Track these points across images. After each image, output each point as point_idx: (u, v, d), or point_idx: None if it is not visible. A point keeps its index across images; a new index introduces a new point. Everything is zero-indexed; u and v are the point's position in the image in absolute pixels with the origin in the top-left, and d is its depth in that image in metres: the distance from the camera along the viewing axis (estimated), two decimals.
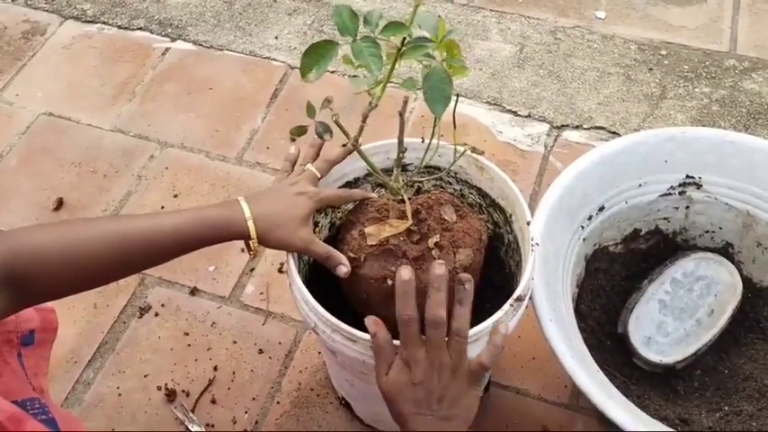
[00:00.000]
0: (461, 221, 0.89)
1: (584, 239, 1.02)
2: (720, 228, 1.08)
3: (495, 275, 0.98)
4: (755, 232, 1.04)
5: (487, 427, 1.07)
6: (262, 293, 1.22)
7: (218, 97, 1.53)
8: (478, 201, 0.98)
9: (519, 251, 0.92)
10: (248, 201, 0.81)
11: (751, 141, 1.02)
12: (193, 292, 1.23)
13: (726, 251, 1.09)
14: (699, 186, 1.05)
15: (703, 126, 1.43)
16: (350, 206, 0.95)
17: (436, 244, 0.85)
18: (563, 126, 1.45)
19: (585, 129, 1.45)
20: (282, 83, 1.55)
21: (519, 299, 0.81)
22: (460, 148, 0.85)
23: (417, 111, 1.48)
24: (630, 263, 1.11)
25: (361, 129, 0.75)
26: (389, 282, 0.84)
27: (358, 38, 0.66)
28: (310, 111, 0.73)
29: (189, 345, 1.17)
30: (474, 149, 0.84)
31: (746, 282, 1.06)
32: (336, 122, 0.75)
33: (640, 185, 1.04)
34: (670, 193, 1.05)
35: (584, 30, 1.63)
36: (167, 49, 1.63)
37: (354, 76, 0.71)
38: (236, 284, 1.24)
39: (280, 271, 1.23)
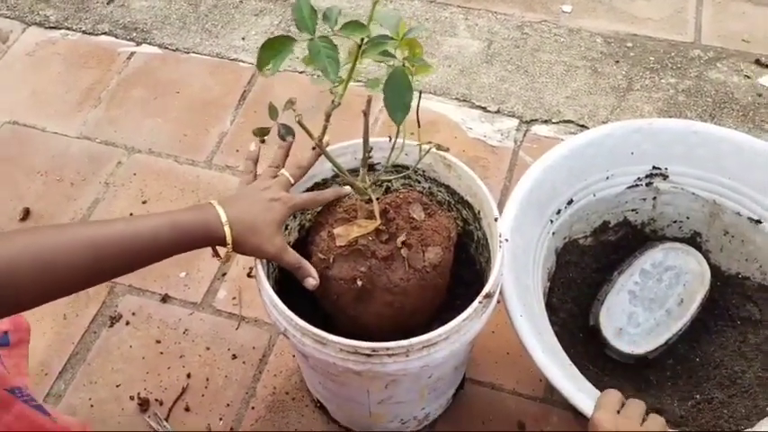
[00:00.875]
0: (430, 220, 0.88)
1: (553, 233, 1.02)
2: (688, 217, 1.08)
3: (466, 272, 0.98)
4: (722, 221, 1.05)
5: (463, 422, 1.07)
6: (234, 298, 1.21)
7: (185, 101, 1.51)
8: (447, 198, 0.98)
9: (488, 248, 0.92)
10: (223, 204, 0.79)
11: (717, 131, 1.02)
12: (165, 299, 1.22)
13: (694, 240, 1.09)
14: (665, 177, 1.05)
15: (670, 117, 1.45)
16: (319, 208, 0.94)
17: (404, 243, 0.85)
18: (532, 121, 1.46)
19: (554, 123, 1.45)
20: (251, 84, 1.54)
21: (488, 295, 0.81)
22: (426, 147, 0.84)
23: None
24: (601, 255, 1.10)
25: (325, 128, 0.75)
26: (359, 282, 0.83)
27: (316, 36, 0.65)
28: (272, 112, 0.73)
29: (161, 353, 1.16)
30: (439, 147, 0.84)
31: (715, 270, 1.07)
32: (300, 123, 0.74)
33: (608, 178, 1.04)
34: (637, 185, 1.06)
35: (550, 24, 1.64)
36: (133, 54, 1.61)
37: (318, 76, 0.70)
38: (208, 290, 1.22)
39: (249, 275, 1.22)
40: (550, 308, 1.02)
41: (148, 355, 1.15)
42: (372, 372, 0.79)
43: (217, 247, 0.80)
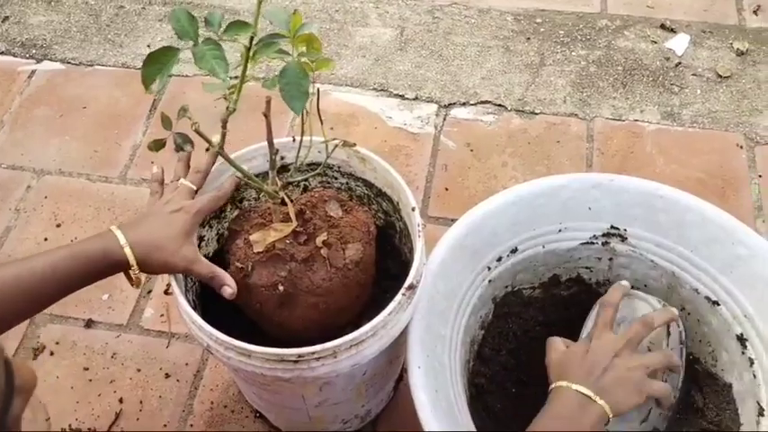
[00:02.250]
0: (348, 216, 0.87)
1: (490, 281, 0.96)
2: (645, 285, 1.00)
3: (392, 264, 0.97)
4: (680, 295, 0.97)
5: (406, 415, 1.06)
6: (162, 315, 1.17)
7: (93, 116, 1.45)
8: (366, 192, 0.97)
9: (410, 238, 0.91)
10: (122, 228, 0.77)
11: (684, 198, 0.95)
12: (89, 324, 1.17)
13: None
14: (624, 239, 0.97)
15: (583, 89, 1.47)
16: (235, 214, 0.92)
17: (324, 242, 0.83)
18: (450, 105, 1.46)
19: (472, 104, 1.45)
20: (161, 93, 1.49)
21: (411, 287, 0.80)
22: (333, 143, 0.82)
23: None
24: (550, 309, 1.04)
25: (224, 135, 0.72)
26: (281, 287, 0.81)
27: (200, 41, 0.63)
28: (166, 123, 0.70)
29: (90, 380, 1.11)
30: (345, 143, 0.82)
31: None
32: (197, 131, 0.71)
33: (560, 231, 0.98)
34: (592, 242, 0.98)
35: (460, 6, 1.64)
36: (33, 72, 1.54)
37: (209, 83, 0.67)
38: (134, 310, 1.18)
39: (166, 293, 1.18)
40: (481, 358, 0.98)
41: (77, 384, 1.11)
42: (302, 377, 0.78)
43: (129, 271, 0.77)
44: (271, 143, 0.78)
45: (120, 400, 1.09)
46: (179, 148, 0.71)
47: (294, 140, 0.83)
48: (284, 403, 0.93)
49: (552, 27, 1.59)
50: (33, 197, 1.33)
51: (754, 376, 0.90)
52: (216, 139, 0.71)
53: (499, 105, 1.45)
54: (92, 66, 1.54)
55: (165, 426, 1.06)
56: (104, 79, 1.51)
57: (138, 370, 1.12)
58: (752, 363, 0.91)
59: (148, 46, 1.57)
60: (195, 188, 0.82)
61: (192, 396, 1.09)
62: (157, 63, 0.62)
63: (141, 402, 1.08)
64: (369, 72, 1.52)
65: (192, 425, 1.06)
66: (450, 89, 1.48)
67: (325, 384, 0.84)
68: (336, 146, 0.83)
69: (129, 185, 1.34)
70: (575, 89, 1.47)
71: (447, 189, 1.32)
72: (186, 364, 1.12)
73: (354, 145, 0.83)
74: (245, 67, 0.67)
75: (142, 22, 1.62)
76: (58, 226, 1.29)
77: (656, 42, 1.55)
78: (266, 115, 0.75)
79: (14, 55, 1.57)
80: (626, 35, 1.57)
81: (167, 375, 1.11)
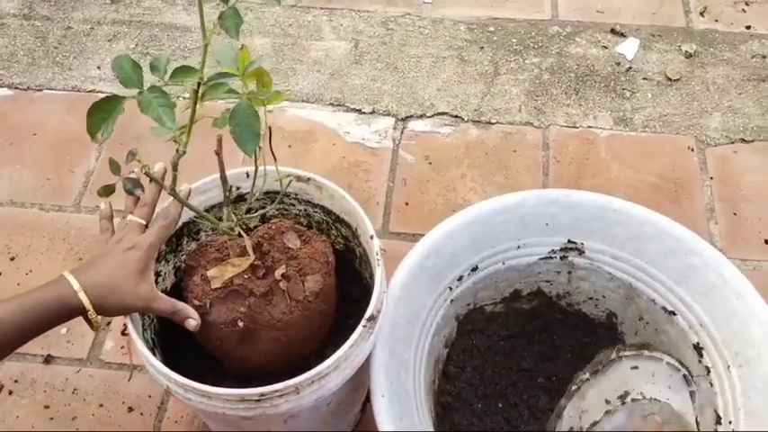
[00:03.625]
0: (306, 246, 0.87)
1: (452, 300, 0.97)
2: (604, 296, 1.03)
3: (354, 288, 0.97)
4: (638, 306, 0.99)
5: None
6: (123, 347, 1.15)
7: (43, 142, 1.42)
8: (324, 218, 0.96)
9: (371, 263, 0.91)
10: (75, 272, 0.75)
11: (639, 213, 0.97)
12: (47, 360, 1.14)
13: (610, 321, 1.05)
14: (581, 252, 0.99)
15: (537, 97, 1.48)
16: (192, 246, 0.91)
17: (283, 275, 0.83)
18: (407, 117, 1.46)
19: (429, 117, 1.46)
20: None
21: (371, 318, 0.80)
22: (286, 180, 0.82)
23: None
24: (513, 323, 1.06)
25: (174, 178, 0.71)
26: (241, 324, 0.81)
27: (145, 88, 0.62)
28: (114, 168, 0.69)
29: (51, 418, 1.09)
30: (299, 178, 0.82)
31: None
32: (148, 174, 0.70)
33: (519, 247, 0.99)
34: (551, 257, 1.00)
35: (414, 17, 1.64)
36: None
37: (156, 127, 0.66)
38: (93, 343, 1.16)
39: (123, 333, 1.16)
40: (446, 376, 0.99)
41: (38, 423, 1.08)
42: (266, 414, 0.77)
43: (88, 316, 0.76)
44: (224, 180, 0.77)
45: None
46: (129, 193, 0.70)
47: (248, 176, 0.82)
48: None
49: (505, 35, 1.60)
50: None
51: (711, 384, 0.93)
52: (168, 179, 0.71)
53: (456, 117, 1.45)
54: (40, 90, 1.50)
55: None
56: (54, 104, 1.48)
57: (101, 405, 1.10)
58: (708, 371, 0.93)
59: (98, 67, 1.54)
60: (144, 222, 0.81)
61: (156, 429, 1.07)
62: (102, 112, 0.61)
63: None
64: (324, 87, 1.51)
65: None
66: (407, 101, 1.48)
67: (290, 418, 0.84)
68: (291, 181, 0.83)
69: (84, 213, 1.32)
70: (529, 98, 1.48)
71: (407, 204, 1.33)
72: (149, 396, 1.10)
73: (309, 180, 0.83)
74: (194, 110, 0.66)
75: (91, 42, 1.59)
76: (12, 259, 1.26)
77: (606, 47, 1.57)
78: (218, 153, 0.74)
79: None
80: (577, 41, 1.59)
81: (130, 409, 1.09)
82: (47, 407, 1.10)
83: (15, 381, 1.12)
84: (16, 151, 1.41)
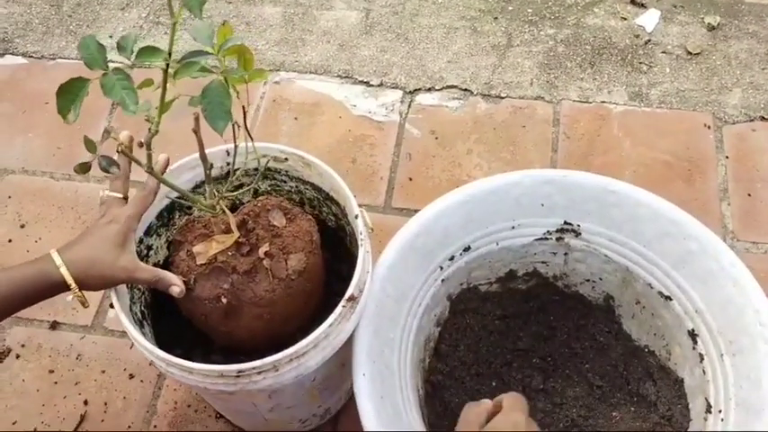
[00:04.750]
0: (291, 225, 0.87)
1: (443, 280, 0.96)
2: (600, 279, 1.01)
3: (344, 267, 0.97)
4: (635, 289, 0.98)
5: None
6: None
7: (55, 111, 1.43)
8: (315, 195, 0.96)
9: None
10: (60, 250, 0.77)
11: (636, 194, 0.94)
12: (54, 326, 1.18)
13: (607, 303, 1.04)
14: (578, 234, 0.98)
15: (550, 70, 1.44)
16: (183, 221, 0.91)
17: (266, 253, 0.83)
18: (416, 90, 1.44)
19: (438, 90, 1.43)
20: None
21: (351, 298, 0.80)
22: (263, 160, 0.82)
23: (284, 93, 1.44)
24: (508, 303, 1.05)
25: (149, 156, 0.71)
26: (224, 300, 0.82)
27: (110, 69, 0.62)
28: (90, 146, 0.69)
29: (55, 382, 1.12)
30: (275, 158, 0.81)
31: (626, 338, 1.02)
32: (123, 152, 0.71)
33: (513, 227, 0.98)
34: (547, 238, 0.99)
35: None
36: None
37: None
38: (98, 311, 1.19)
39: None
40: (438, 355, 0.99)
41: (43, 387, 1.12)
42: (245, 390, 0.78)
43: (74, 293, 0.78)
44: (204, 159, 0.77)
45: (86, 402, 1.10)
46: (105, 170, 0.71)
47: (228, 154, 0.82)
48: (237, 408, 0.94)
49: (521, 5, 1.56)
50: None
51: (704, 372, 0.91)
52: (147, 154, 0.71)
53: (465, 90, 1.43)
54: (54, 59, 1.52)
55: (129, 427, 1.08)
56: (67, 73, 1.46)
57: (103, 371, 1.13)
58: (702, 358, 0.91)
59: (110, 36, 1.55)
60: (121, 195, 0.82)
61: (156, 396, 1.10)
62: (69, 94, 0.62)
63: (106, 404, 1.10)
64: (333, 58, 1.49)
65: (155, 425, 1.08)
66: (416, 74, 1.46)
67: (273, 392, 0.85)
68: (268, 161, 0.82)
69: (94, 183, 1.34)
70: (542, 71, 1.44)
71: (411, 179, 1.32)
72: (150, 363, 1.12)
73: (286, 160, 0.82)
74: (165, 89, 0.66)
75: (104, 11, 1.60)
76: (22, 227, 1.29)
77: (625, 19, 1.52)
78: (196, 132, 0.74)
79: None
80: (595, 12, 1.54)
81: (131, 376, 1.12)
82: (51, 371, 1.13)
83: (23, 345, 1.16)
84: (29, 120, 1.43)
